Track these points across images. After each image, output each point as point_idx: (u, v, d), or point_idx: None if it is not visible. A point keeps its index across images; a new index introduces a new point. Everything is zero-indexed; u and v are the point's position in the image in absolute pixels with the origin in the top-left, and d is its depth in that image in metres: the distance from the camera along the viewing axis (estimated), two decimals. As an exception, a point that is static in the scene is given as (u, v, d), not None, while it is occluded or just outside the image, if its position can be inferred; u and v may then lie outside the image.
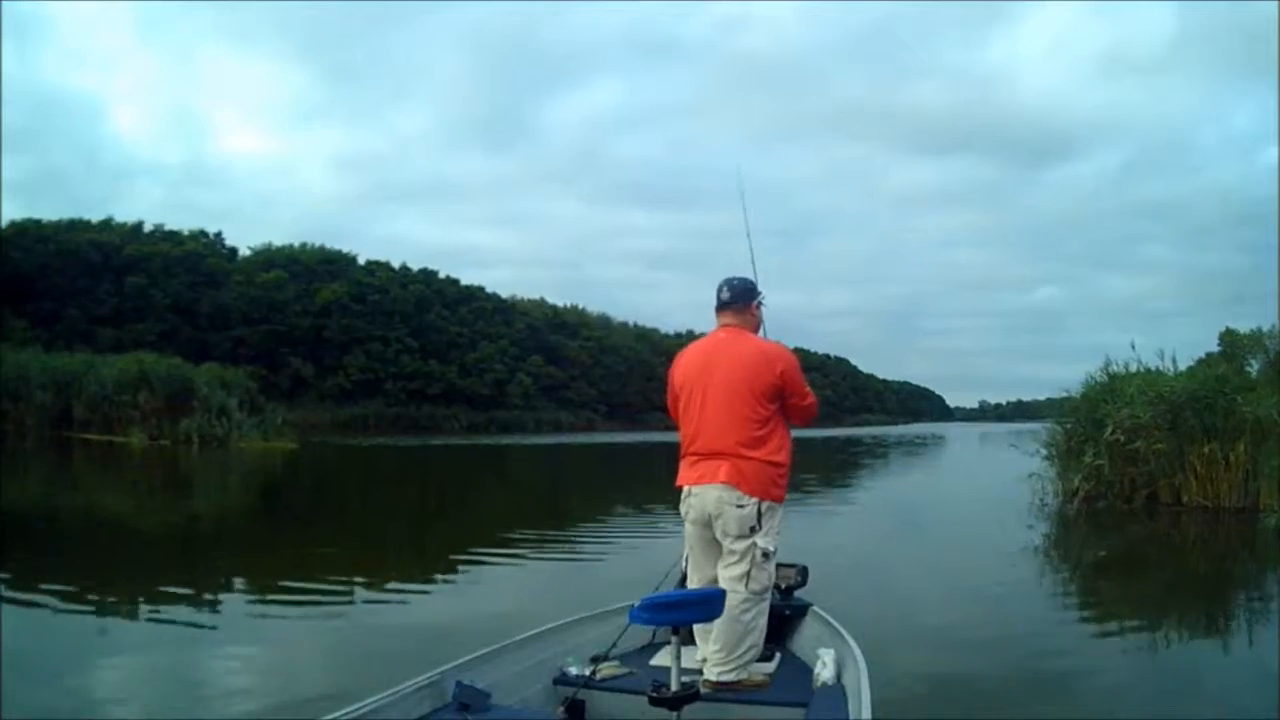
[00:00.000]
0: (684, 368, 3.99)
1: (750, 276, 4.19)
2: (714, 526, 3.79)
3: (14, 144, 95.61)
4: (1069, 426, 15.04)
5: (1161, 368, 15.03)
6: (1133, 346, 15.58)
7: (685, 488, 3.88)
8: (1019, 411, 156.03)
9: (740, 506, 3.71)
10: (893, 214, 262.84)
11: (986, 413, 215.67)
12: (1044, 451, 15.43)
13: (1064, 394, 15.81)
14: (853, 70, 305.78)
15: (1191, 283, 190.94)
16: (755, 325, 4.05)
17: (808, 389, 3.96)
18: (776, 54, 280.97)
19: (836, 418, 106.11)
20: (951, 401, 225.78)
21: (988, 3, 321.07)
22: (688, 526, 3.93)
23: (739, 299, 3.99)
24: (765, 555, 3.76)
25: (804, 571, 4.66)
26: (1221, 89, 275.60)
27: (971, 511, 14.48)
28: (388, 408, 63.83)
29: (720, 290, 3.99)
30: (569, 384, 79.31)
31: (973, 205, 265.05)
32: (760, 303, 4.08)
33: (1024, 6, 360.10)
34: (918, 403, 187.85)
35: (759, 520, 3.73)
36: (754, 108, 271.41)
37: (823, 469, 24.00)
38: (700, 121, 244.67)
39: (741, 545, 3.73)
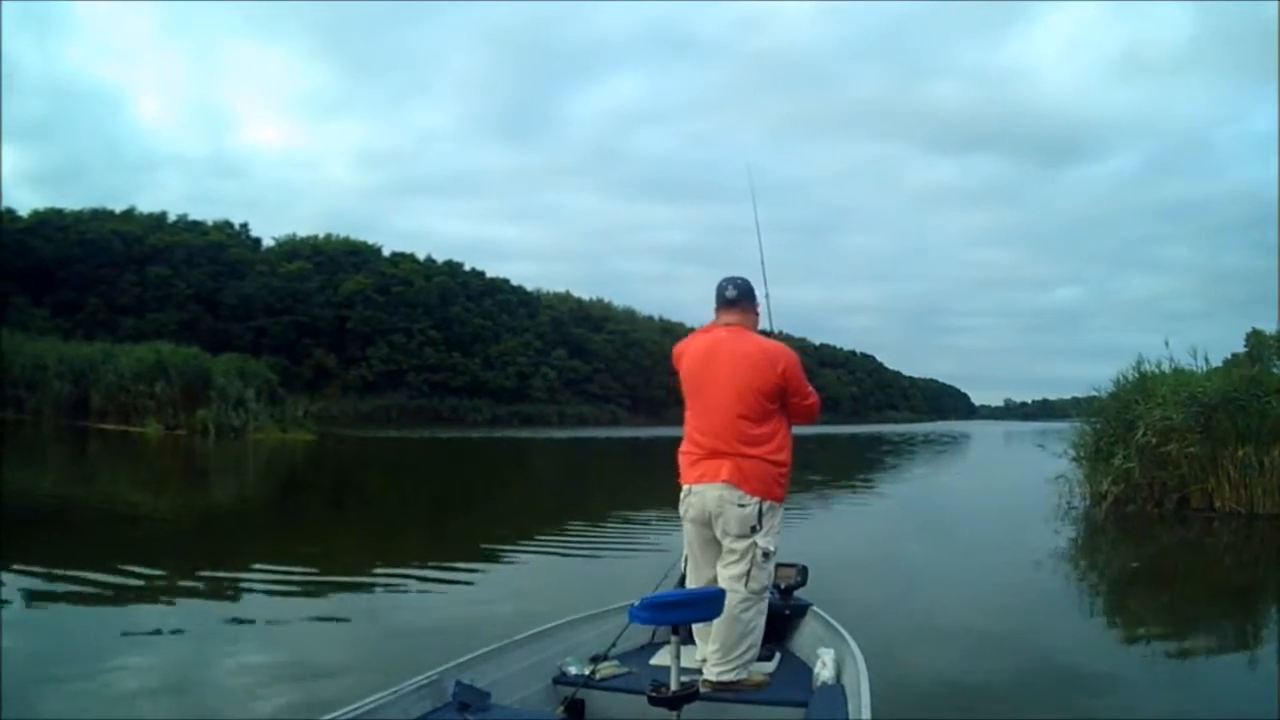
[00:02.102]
0: (688, 361, 3.95)
1: (761, 274, 4.22)
2: (714, 525, 3.77)
3: (36, 134, 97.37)
4: (1098, 427, 14.71)
5: (1193, 367, 14.68)
6: (1166, 344, 15.15)
7: (685, 486, 3.86)
8: (1044, 410, 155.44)
9: (742, 506, 3.69)
10: (913, 211, 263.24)
11: (1012, 411, 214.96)
12: (1071, 452, 15.10)
13: (1092, 393, 15.48)
14: (870, 69, 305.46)
15: (1211, 283, 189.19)
16: (755, 325, 4.05)
17: (810, 388, 3.95)
18: (794, 52, 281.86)
19: (861, 414, 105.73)
20: (976, 399, 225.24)
21: (1005, 2, 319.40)
22: (687, 525, 3.91)
23: (745, 298, 3.98)
24: (765, 555, 3.75)
25: (804, 571, 4.64)
26: (1241, 90, 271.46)
27: (994, 513, 14.30)
28: (410, 400, 64.10)
29: (725, 289, 3.97)
30: (593, 377, 79.31)
31: (992, 204, 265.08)
32: (758, 302, 4.09)
33: (1041, 6, 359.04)
34: (943, 400, 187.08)
35: (760, 520, 3.72)
36: (772, 105, 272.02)
37: (848, 466, 23.82)
38: (719, 117, 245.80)
39: (742, 545, 3.72)
